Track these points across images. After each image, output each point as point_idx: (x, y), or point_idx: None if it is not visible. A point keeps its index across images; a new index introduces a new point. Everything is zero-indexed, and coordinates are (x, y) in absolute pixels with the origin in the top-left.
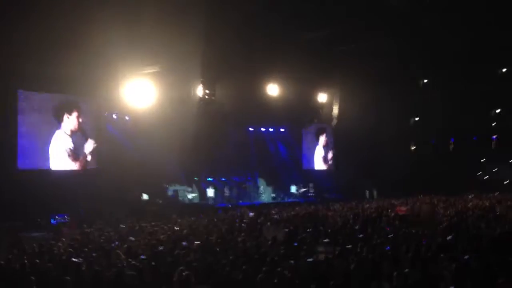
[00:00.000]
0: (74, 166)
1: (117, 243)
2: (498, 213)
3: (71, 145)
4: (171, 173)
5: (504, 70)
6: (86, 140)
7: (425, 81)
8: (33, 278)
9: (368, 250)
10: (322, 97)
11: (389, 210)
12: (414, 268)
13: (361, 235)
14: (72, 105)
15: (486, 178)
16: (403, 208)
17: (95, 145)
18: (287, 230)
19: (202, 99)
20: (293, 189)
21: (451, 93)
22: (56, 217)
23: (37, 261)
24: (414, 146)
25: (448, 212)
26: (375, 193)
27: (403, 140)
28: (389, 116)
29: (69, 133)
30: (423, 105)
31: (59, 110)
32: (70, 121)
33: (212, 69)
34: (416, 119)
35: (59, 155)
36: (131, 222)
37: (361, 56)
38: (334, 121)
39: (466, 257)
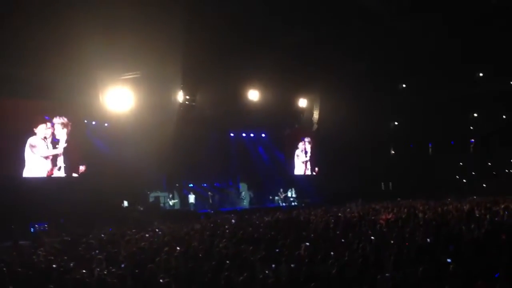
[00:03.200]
0: (52, 173)
1: (97, 251)
2: (477, 216)
3: (49, 152)
4: (152, 179)
5: (481, 74)
6: (64, 147)
7: (404, 85)
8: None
9: (350, 254)
10: (302, 102)
11: (370, 215)
12: (396, 271)
13: (342, 240)
14: (50, 112)
15: (465, 182)
16: (388, 216)
17: (73, 152)
18: (268, 236)
19: (182, 105)
20: (276, 197)
21: (429, 98)
22: (36, 225)
23: (19, 269)
24: (394, 150)
25: (427, 216)
26: (360, 200)
27: (383, 144)
28: (369, 121)
29: (47, 140)
30: (402, 110)
31: (36, 116)
32: (47, 128)
33: (192, 74)
34: (395, 123)
35: (36, 163)
36: (111, 230)
37: (340, 61)
38: (315, 126)
39: (448, 259)
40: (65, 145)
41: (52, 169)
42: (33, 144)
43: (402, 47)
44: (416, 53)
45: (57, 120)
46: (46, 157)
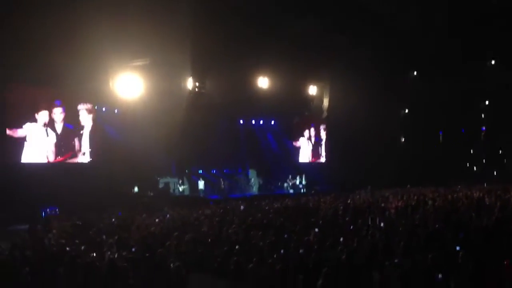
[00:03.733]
0: (64, 159)
1: (108, 235)
2: (488, 204)
3: (61, 138)
4: (161, 165)
5: (493, 62)
6: (75, 133)
7: (415, 73)
8: (27, 269)
9: (359, 241)
10: (312, 90)
11: (380, 202)
12: (406, 258)
13: (352, 227)
14: (61, 98)
15: (475, 170)
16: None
17: (85, 138)
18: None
19: (192, 92)
20: (285, 184)
21: (440, 86)
22: (47, 210)
23: (28, 253)
24: (404, 138)
25: (437, 203)
26: (369, 187)
27: (393, 132)
28: (379, 109)
29: (58, 126)
30: (413, 98)
31: (48, 103)
32: (59, 114)
33: (202, 62)
34: (406, 111)
35: (49, 148)
36: (122, 215)
37: (351, 48)
38: (324, 114)
39: (457, 247)
40: (77, 131)
41: (64, 155)
42: (47, 131)
43: (414, 35)
44: (428, 41)
45: (69, 107)
46: (59, 143)
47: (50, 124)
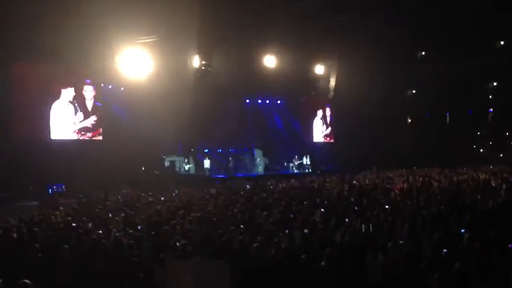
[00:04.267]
0: (71, 136)
1: (114, 213)
2: (493, 186)
3: (67, 116)
4: (167, 144)
5: (502, 43)
6: (82, 111)
7: (422, 53)
8: (37, 245)
9: (363, 221)
10: (319, 69)
11: (385, 183)
12: (410, 239)
13: (356, 207)
14: (68, 76)
15: (482, 152)
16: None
17: (91, 116)
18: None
19: (198, 70)
20: (290, 164)
21: (447, 66)
22: (53, 187)
23: (36, 229)
24: (410, 119)
25: (442, 185)
26: (374, 167)
27: (399, 112)
28: (386, 89)
29: (66, 103)
30: (420, 78)
31: (56, 81)
32: (66, 92)
33: (208, 39)
34: (413, 92)
35: (56, 126)
36: (128, 192)
37: (358, 27)
38: (331, 93)
39: (462, 230)
40: (83, 109)
41: (71, 133)
42: (54, 108)
43: (421, 14)
44: (436, 21)
45: (76, 85)
46: (65, 121)
47: (60, 102)
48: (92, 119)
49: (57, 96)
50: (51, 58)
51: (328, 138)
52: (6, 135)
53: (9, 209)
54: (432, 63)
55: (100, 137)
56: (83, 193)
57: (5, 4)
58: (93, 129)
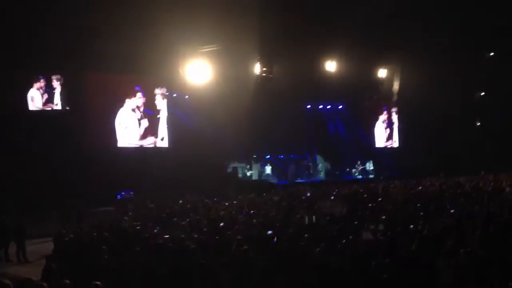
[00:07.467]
0: (138, 143)
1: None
2: None
3: (133, 124)
4: (229, 150)
5: None
6: (148, 118)
7: (491, 54)
8: (104, 247)
9: (430, 228)
10: (382, 73)
11: (453, 188)
12: (482, 246)
13: (422, 213)
14: (135, 84)
15: None
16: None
17: (156, 123)
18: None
19: (259, 77)
20: (353, 170)
21: None
22: (122, 193)
23: (106, 234)
24: (479, 122)
25: None
26: (442, 174)
27: (468, 115)
28: (453, 91)
29: (132, 111)
30: (489, 80)
31: (123, 89)
32: (133, 100)
33: (269, 46)
34: (482, 94)
35: (123, 133)
36: (192, 198)
37: (422, 29)
38: (395, 97)
39: None
40: (150, 117)
41: (138, 140)
42: (120, 116)
43: (489, 14)
44: (504, 20)
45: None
46: (131, 129)
47: (126, 110)
48: (156, 126)
49: (122, 104)
50: (119, 68)
51: (391, 143)
52: (81, 142)
53: (82, 214)
54: (501, 63)
55: (165, 144)
56: (150, 199)
57: (81, 16)
58: (157, 136)
